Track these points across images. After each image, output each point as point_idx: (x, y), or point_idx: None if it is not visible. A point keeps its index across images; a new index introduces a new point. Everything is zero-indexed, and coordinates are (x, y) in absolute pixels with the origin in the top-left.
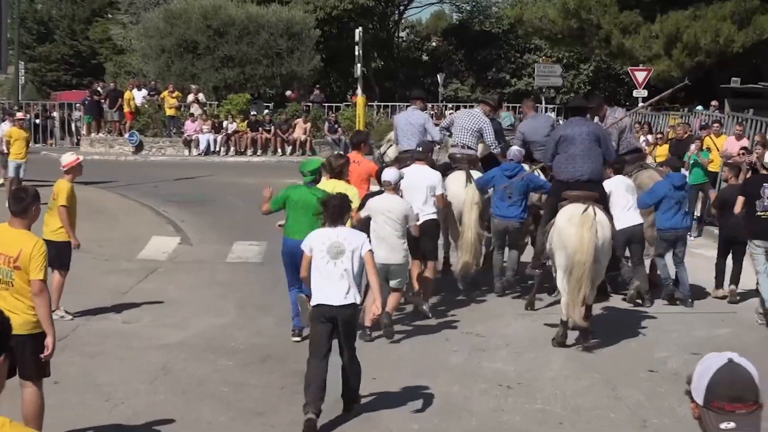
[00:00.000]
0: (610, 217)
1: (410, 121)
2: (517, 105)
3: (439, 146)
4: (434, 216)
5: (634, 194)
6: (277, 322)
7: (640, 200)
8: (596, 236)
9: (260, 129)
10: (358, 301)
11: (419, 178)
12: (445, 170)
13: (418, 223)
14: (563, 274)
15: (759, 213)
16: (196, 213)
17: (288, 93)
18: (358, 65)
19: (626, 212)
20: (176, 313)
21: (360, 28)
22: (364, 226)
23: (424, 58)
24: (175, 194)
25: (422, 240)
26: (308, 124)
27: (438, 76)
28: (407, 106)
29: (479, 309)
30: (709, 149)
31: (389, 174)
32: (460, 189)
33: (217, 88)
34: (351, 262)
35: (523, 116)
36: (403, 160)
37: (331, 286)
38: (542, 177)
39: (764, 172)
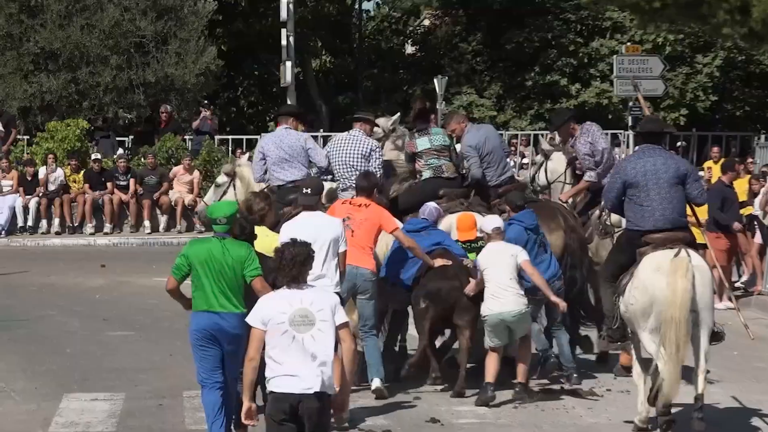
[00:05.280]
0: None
1: (282, 147)
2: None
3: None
4: (337, 289)
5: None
6: None
7: None
8: (693, 285)
9: (109, 184)
10: (331, 390)
11: (316, 232)
12: None
13: None
14: (655, 341)
15: None
16: None
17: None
18: (288, 64)
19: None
20: None
21: None
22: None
23: (410, 49)
24: None
25: None
26: (197, 174)
27: (435, 80)
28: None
29: None
30: None
31: (495, 221)
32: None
33: (28, 109)
34: (323, 336)
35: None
36: (288, 212)
37: (295, 369)
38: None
39: None
